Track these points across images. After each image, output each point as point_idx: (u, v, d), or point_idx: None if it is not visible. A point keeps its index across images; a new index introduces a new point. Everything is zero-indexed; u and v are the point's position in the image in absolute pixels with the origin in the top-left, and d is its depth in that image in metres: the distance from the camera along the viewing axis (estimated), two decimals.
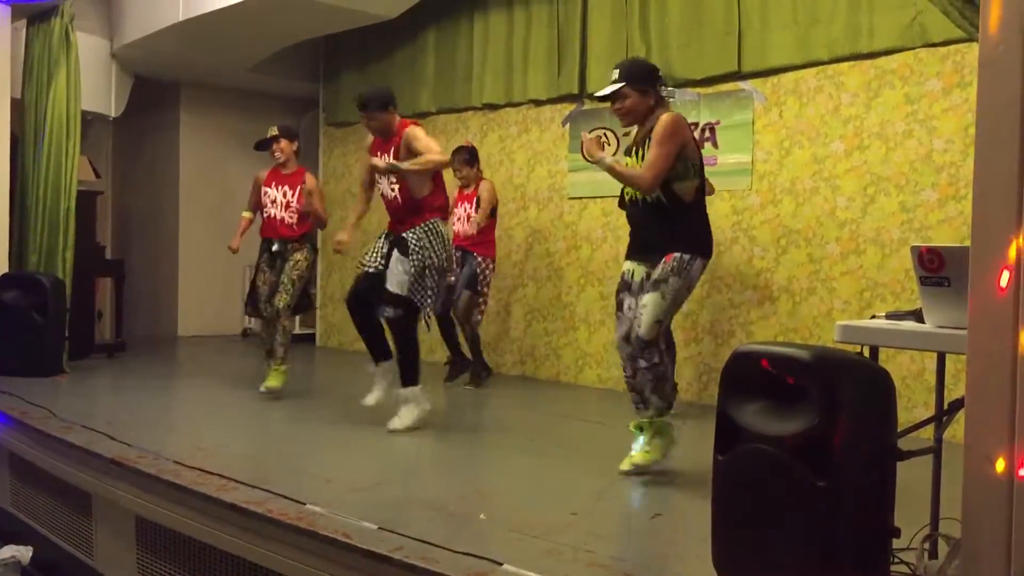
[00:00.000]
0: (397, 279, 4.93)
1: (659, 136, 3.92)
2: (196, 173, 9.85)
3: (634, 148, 4.11)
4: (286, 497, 3.54)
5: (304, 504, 3.46)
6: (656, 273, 3.95)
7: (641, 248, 4.08)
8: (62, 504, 4.67)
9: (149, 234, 10.22)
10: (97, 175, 8.35)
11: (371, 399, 5.13)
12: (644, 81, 4.03)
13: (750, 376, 2.55)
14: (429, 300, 4.98)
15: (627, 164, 4.10)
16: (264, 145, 6.19)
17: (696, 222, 4.06)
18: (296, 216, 6.08)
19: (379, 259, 5.09)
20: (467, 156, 6.75)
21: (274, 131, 6.19)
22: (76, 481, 4.49)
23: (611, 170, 4.01)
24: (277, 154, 6.17)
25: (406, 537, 3.09)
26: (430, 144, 4.98)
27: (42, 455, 4.82)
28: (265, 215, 6.17)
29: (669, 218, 3.98)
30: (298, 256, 6.05)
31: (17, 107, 7.22)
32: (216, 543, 3.59)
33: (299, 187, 6.09)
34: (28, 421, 5.01)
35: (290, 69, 9.33)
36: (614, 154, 6.70)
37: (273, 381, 6.02)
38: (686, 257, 3.93)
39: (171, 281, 9.96)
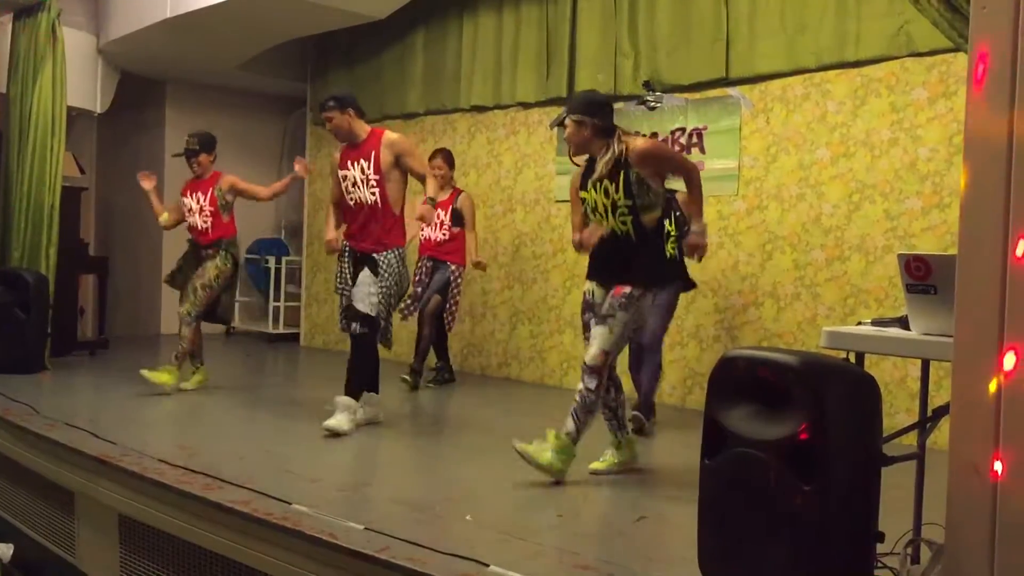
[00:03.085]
0: (366, 298, 4.95)
1: (660, 152, 4.19)
2: (181, 171, 9.72)
3: (598, 182, 4.09)
4: (271, 497, 3.54)
5: (290, 504, 3.46)
6: (604, 307, 4.05)
7: (601, 272, 4.18)
8: (44, 502, 4.64)
9: (132, 231, 10.14)
10: (82, 171, 8.31)
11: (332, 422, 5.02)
12: (581, 111, 4.09)
13: (737, 381, 2.57)
14: (389, 320, 5.06)
15: (591, 198, 4.12)
16: (185, 155, 6.21)
17: (651, 255, 4.15)
18: (210, 220, 6.09)
19: (347, 280, 5.12)
20: (451, 157, 6.78)
21: (193, 144, 6.19)
22: (58, 479, 4.46)
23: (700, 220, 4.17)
24: (196, 168, 6.22)
25: (392, 538, 3.10)
26: (425, 165, 5.08)
27: (24, 452, 4.79)
28: (188, 224, 6.22)
29: (630, 250, 4.07)
30: (208, 264, 6.07)
31: (2, 102, 7.17)
32: (200, 542, 3.58)
33: (211, 190, 6.11)
34: (10, 418, 4.97)
35: (278, 68, 9.30)
36: None
37: (158, 377, 5.96)
38: (636, 293, 4.01)
39: (154, 279, 9.85)
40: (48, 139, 7.12)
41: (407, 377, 6.65)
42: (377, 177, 4.99)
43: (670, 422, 5.58)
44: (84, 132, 9.64)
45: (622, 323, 3.99)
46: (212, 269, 6.05)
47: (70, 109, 7.63)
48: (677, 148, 6.21)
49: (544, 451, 3.97)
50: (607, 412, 4.20)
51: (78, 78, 7.93)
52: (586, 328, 4.17)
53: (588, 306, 4.18)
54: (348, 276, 5.12)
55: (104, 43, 8.50)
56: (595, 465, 4.22)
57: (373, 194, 5.01)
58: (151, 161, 9.90)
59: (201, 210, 6.12)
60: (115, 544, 4.06)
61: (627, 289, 3.99)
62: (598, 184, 4.09)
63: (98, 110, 8.78)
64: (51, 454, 4.53)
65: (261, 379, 6.29)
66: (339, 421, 4.90)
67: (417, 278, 6.66)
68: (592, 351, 4.01)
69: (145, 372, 5.94)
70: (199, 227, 6.14)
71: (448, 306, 6.62)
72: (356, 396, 5.04)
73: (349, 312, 5.04)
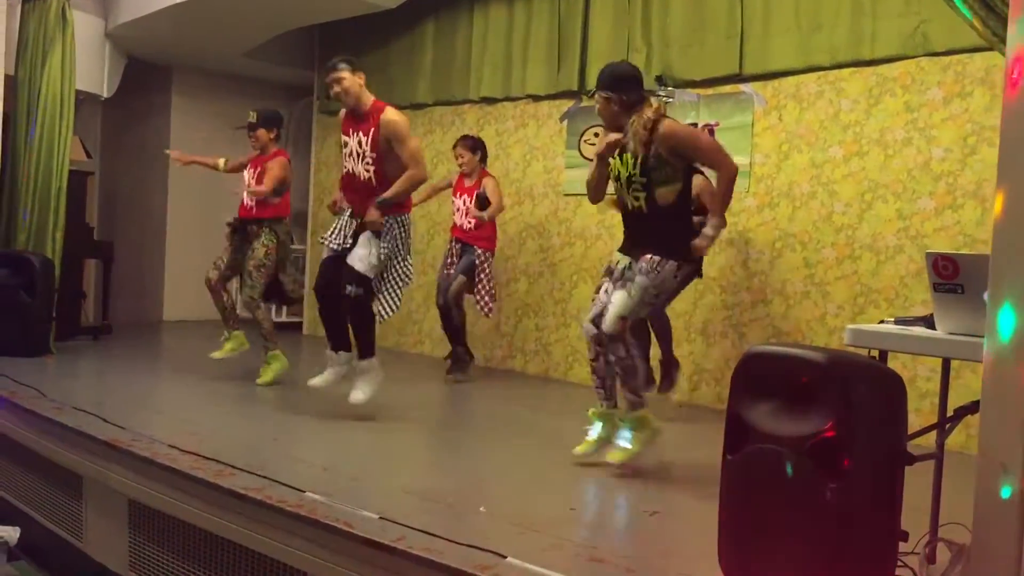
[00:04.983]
0: (364, 260, 4.86)
1: (691, 135, 4.16)
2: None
3: (623, 153, 4.13)
4: (285, 484, 3.53)
5: (304, 492, 3.44)
6: (629, 272, 4.05)
7: (629, 246, 4.19)
8: (51, 486, 4.63)
9: (136, 217, 10.12)
10: (88, 155, 8.28)
11: (318, 380, 5.07)
12: (607, 87, 4.11)
13: (762, 377, 2.56)
14: (388, 289, 4.93)
15: (615, 166, 4.17)
16: (246, 128, 6.15)
17: (675, 227, 4.10)
18: (255, 200, 6.02)
19: (343, 238, 5.00)
20: (471, 143, 6.72)
21: (252, 117, 6.11)
22: (67, 463, 4.45)
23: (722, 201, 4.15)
24: (254, 143, 6.16)
25: (408, 527, 3.09)
26: (416, 153, 4.88)
27: (31, 435, 4.77)
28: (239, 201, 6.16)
29: (645, 224, 4.10)
30: (256, 244, 5.97)
31: (10, 84, 7.13)
32: (213, 529, 3.57)
33: (260, 169, 6.05)
34: (17, 401, 4.96)
35: (285, 55, 9.27)
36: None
37: (269, 374, 6.05)
38: (656, 259, 4.01)
39: (157, 265, 9.88)
40: (56, 122, 7.09)
41: (450, 374, 6.66)
42: (374, 155, 4.91)
43: (677, 416, 5.58)
44: (90, 116, 9.60)
45: (641, 287, 3.99)
46: (260, 248, 5.95)
47: (77, 93, 7.58)
48: None
49: (631, 442, 4.05)
50: (596, 379, 4.16)
51: (85, 62, 7.90)
52: (597, 290, 4.20)
53: (608, 272, 4.20)
54: (342, 232, 5.00)
55: (112, 27, 8.45)
56: (580, 448, 4.14)
57: (368, 171, 4.93)
58: (156, 147, 9.86)
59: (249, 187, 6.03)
60: (124, 529, 4.05)
61: (650, 255, 4.01)
62: (622, 154, 4.13)
63: (105, 94, 8.73)
64: (60, 438, 4.51)
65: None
66: (363, 391, 4.97)
67: (448, 260, 6.65)
68: (609, 317, 4.00)
69: (259, 382, 5.99)
70: (246, 204, 6.07)
71: (477, 289, 6.55)
72: (372, 354, 5.04)
73: (345, 274, 4.92)
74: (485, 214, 6.45)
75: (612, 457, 4.05)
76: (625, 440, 4.07)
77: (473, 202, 6.57)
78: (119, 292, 9.30)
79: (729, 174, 4.07)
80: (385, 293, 4.95)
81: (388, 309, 4.99)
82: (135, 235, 10.02)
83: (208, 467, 3.76)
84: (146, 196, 10.02)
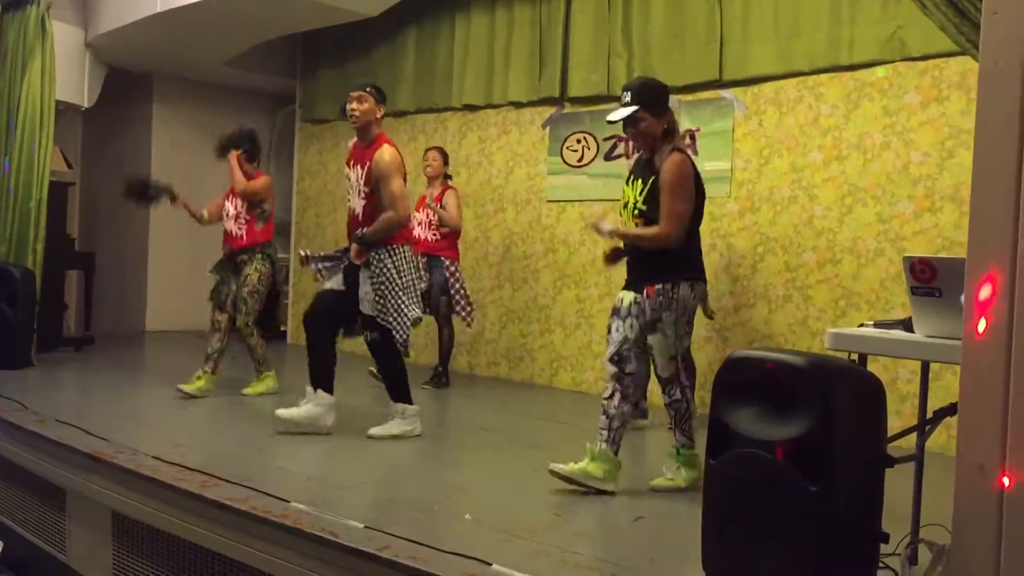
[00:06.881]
0: (368, 301, 4.82)
1: (672, 184, 3.86)
2: (167, 167, 9.66)
3: (633, 179, 4.03)
4: (270, 495, 3.53)
5: (289, 502, 3.44)
6: (647, 312, 3.92)
7: (632, 279, 4.06)
8: (34, 498, 4.60)
9: (117, 227, 10.06)
10: (69, 166, 8.24)
11: (284, 411, 4.89)
12: (658, 103, 3.96)
13: (744, 381, 2.58)
14: (401, 320, 4.81)
15: (626, 193, 4.05)
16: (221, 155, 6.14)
17: (679, 248, 3.96)
18: (245, 226, 5.99)
19: (339, 282, 4.96)
20: (444, 153, 6.84)
21: (218, 145, 6.12)
22: (49, 476, 4.42)
23: (625, 236, 4.00)
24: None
25: (393, 536, 3.09)
26: (396, 195, 4.78)
27: (13, 448, 4.74)
28: (224, 230, 6.11)
29: (645, 251, 3.98)
30: (248, 270, 5.96)
31: None
32: (197, 540, 3.56)
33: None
34: None
35: (267, 64, 9.26)
36: (593, 159, 6.77)
37: (256, 389, 6.11)
38: (667, 286, 3.90)
39: (139, 275, 9.82)
40: (36, 133, 7.06)
41: (427, 384, 6.66)
42: (367, 189, 4.88)
43: (659, 421, 5.58)
44: (70, 126, 9.55)
45: (672, 324, 3.91)
46: (253, 274, 5.93)
47: (57, 103, 7.55)
48: None
49: (679, 474, 4.02)
50: (603, 419, 3.96)
51: (65, 72, 7.84)
52: (608, 331, 4.03)
53: (615, 311, 4.02)
54: (338, 270, 4.99)
55: (92, 37, 8.42)
56: (558, 467, 3.94)
57: (359, 205, 4.92)
58: (137, 156, 9.84)
59: (237, 216, 5.98)
60: (108, 542, 4.03)
61: (658, 286, 3.89)
62: (632, 178, 4.05)
63: (85, 104, 8.68)
64: (42, 450, 4.48)
65: (248, 376, 6.24)
66: (382, 429, 4.93)
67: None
68: (660, 363, 3.98)
69: (246, 391, 6.07)
70: (233, 233, 6.00)
71: (454, 302, 6.60)
72: (400, 398, 5.00)
73: (335, 316, 4.97)
74: (444, 216, 6.56)
75: (654, 483, 4.03)
76: (672, 472, 4.03)
77: (435, 214, 6.62)
78: (101, 303, 9.25)
79: (663, 238, 3.87)
80: (393, 323, 4.81)
81: (400, 337, 4.84)
82: (117, 245, 9.96)
83: (192, 478, 3.75)
84: (128, 206, 9.87)
